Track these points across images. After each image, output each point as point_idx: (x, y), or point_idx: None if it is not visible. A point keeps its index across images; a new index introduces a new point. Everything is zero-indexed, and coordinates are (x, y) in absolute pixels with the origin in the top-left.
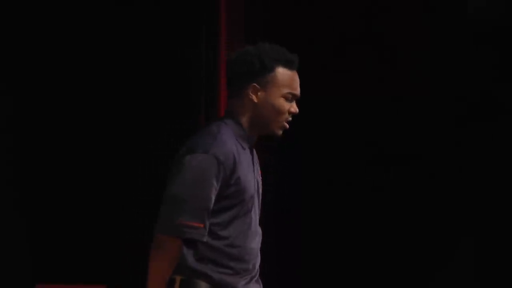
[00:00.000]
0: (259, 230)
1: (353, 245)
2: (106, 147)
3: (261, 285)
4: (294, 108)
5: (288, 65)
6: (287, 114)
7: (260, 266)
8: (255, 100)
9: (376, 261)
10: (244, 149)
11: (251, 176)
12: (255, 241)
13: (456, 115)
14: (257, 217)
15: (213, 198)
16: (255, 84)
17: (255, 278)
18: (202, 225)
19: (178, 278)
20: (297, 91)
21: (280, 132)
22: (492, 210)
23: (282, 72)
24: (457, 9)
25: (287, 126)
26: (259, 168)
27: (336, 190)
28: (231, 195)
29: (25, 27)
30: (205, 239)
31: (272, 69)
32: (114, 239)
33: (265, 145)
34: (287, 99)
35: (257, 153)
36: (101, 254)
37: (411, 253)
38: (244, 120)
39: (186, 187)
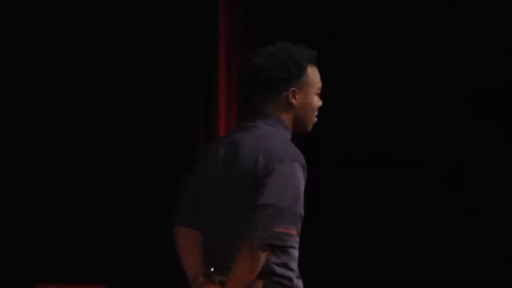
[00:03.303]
0: None
1: (352, 248)
2: (106, 147)
3: None
4: (320, 101)
5: (312, 61)
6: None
7: None
8: (295, 104)
9: (376, 265)
10: None
11: None
12: None
13: (458, 116)
14: None
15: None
16: (294, 88)
17: None
18: (297, 233)
19: (260, 282)
20: (321, 84)
21: (311, 127)
22: (495, 211)
23: (311, 71)
24: (457, 8)
25: (316, 120)
26: None
27: (336, 191)
28: None
29: (26, 26)
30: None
31: (305, 70)
32: (114, 239)
33: None
34: (318, 94)
35: None
36: (101, 254)
37: (412, 257)
38: (288, 121)
39: (283, 195)
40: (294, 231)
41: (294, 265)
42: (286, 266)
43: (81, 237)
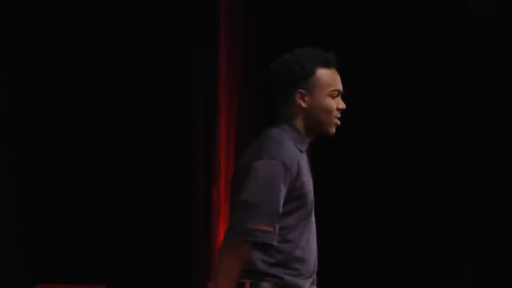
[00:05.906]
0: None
1: (353, 247)
2: (106, 148)
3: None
4: (341, 104)
5: (326, 64)
6: (336, 111)
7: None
8: (304, 106)
9: (378, 267)
10: (301, 152)
11: (310, 178)
12: (315, 243)
13: (458, 118)
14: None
15: (282, 202)
16: (300, 90)
17: (314, 279)
18: (272, 229)
19: (247, 282)
20: (340, 87)
21: (333, 129)
22: (497, 213)
23: (322, 73)
24: (454, 9)
25: (339, 122)
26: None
27: (338, 193)
28: (296, 198)
29: (29, 26)
30: (275, 242)
31: (313, 72)
32: (113, 239)
33: None
34: (333, 97)
35: None
36: (100, 254)
37: (413, 258)
38: (299, 124)
39: (256, 192)
40: (268, 227)
41: (297, 264)
42: (282, 265)
43: (80, 237)
